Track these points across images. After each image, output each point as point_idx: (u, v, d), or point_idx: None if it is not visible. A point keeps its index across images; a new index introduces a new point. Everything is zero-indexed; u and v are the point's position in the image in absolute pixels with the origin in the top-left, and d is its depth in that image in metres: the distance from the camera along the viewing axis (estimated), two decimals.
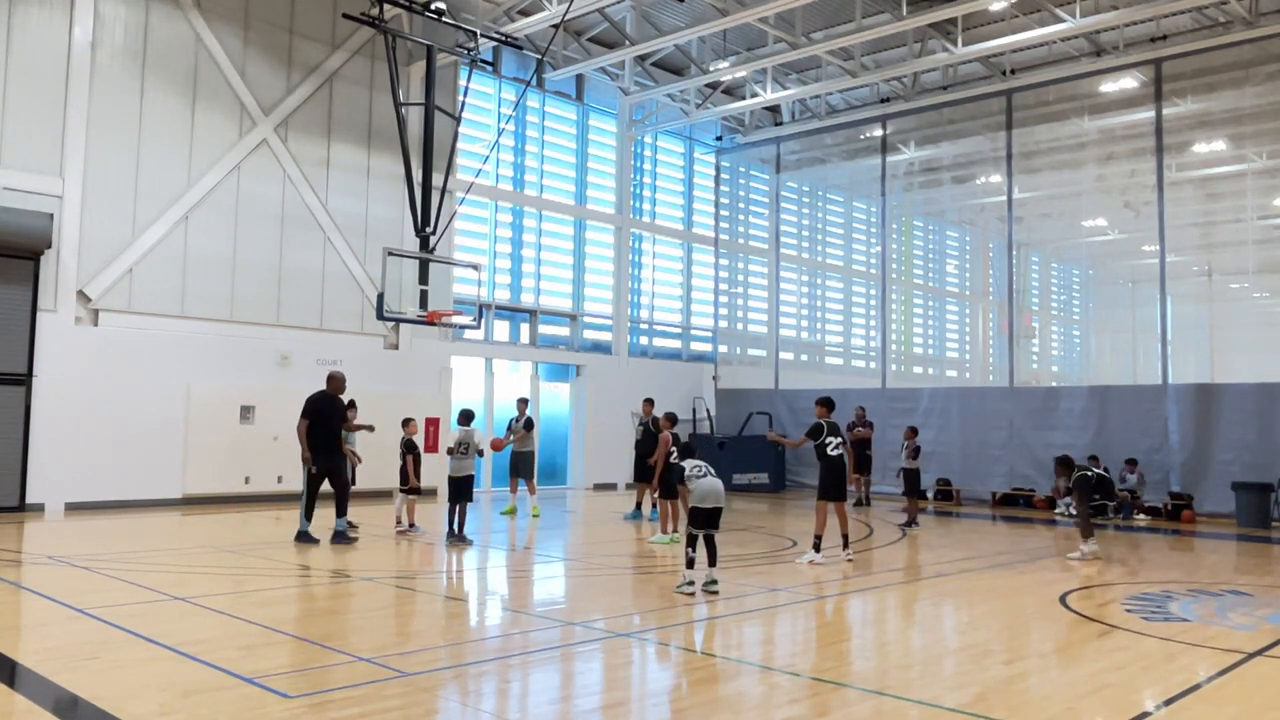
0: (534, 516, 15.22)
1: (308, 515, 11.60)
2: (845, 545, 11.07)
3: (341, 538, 11.49)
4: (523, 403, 15.87)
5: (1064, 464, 12.78)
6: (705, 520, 8.70)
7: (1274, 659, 6.74)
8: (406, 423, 13.31)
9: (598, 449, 21.46)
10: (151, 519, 14.05)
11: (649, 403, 15.52)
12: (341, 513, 11.66)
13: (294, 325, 17.11)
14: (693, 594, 8.55)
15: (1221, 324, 18.44)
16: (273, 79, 16.97)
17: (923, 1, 17.12)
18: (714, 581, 8.70)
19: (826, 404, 11.19)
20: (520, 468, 15.34)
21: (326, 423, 11.71)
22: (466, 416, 12.47)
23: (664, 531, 12.54)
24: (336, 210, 17.71)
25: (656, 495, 13.21)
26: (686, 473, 8.94)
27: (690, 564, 8.70)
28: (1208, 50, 17.51)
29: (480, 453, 12.27)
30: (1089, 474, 12.20)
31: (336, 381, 12.05)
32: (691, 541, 8.71)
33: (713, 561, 8.76)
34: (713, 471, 8.99)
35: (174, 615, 7.54)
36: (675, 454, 12.79)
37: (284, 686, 5.49)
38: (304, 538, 11.48)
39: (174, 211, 15.82)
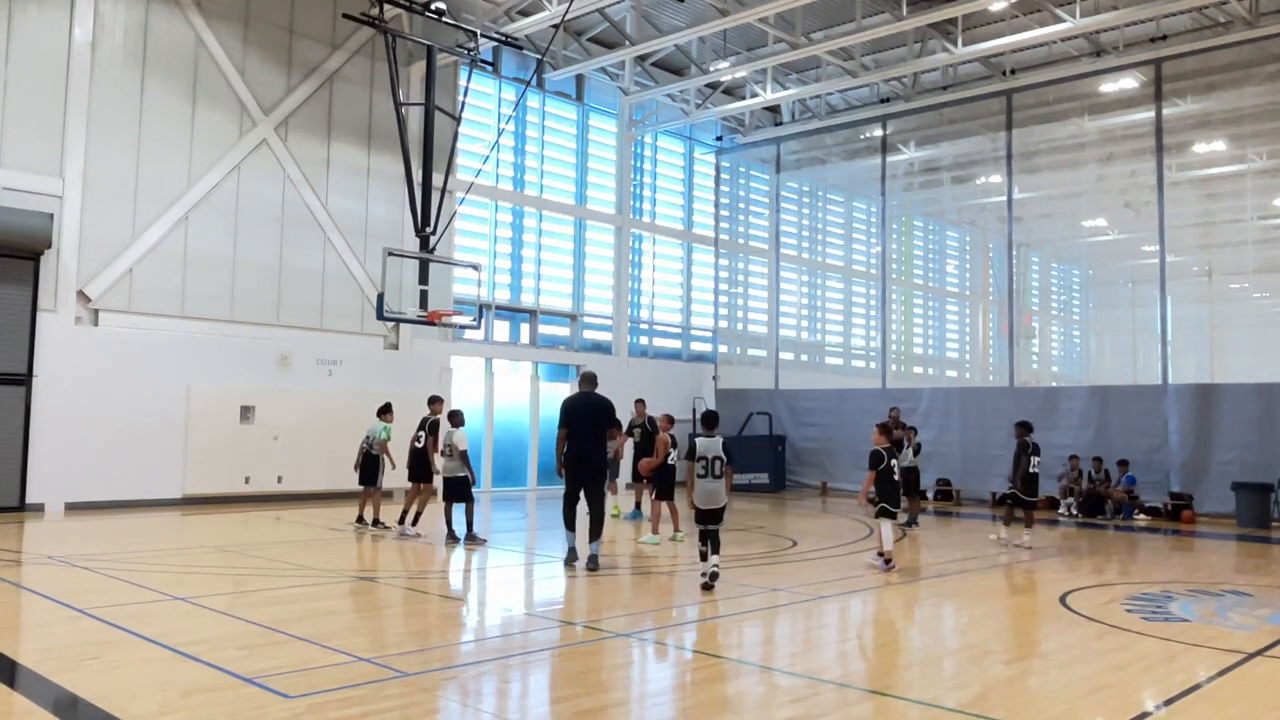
0: (612, 515, 15.12)
1: (569, 524, 10.48)
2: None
3: (595, 562, 10.24)
4: (640, 403, 15.43)
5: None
6: (704, 518, 9.10)
7: (1274, 659, 6.74)
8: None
9: None
10: (151, 519, 14.06)
11: (640, 403, 15.46)
12: (595, 535, 10.39)
13: (294, 325, 17.11)
14: (710, 585, 8.90)
15: (1221, 324, 18.42)
16: (273, 79, 16.97)
17: (923, 1, 17.12)
18: (713, 571, 9.04)
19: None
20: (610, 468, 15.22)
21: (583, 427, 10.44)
22: (450, 417, 12.41)
23: (654, 531, 12.51)
24: (336, 210, 17.71)
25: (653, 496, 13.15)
26: (699, 470, 9.21)
27: (703, 557, 9.06)
28: (1208, 50, 17.50)
29: (464, 454, 11.97)
30: (1029, 442, 12.60)
31: (589, 379, 10.80)
32: (702, 537, 9.13)
33: (715, 550, 9.10)
34: (713, 473, 9.14)
35: (174, 615, 7.54)
36: (672, 455, 12.80)
37: (284, 686, 5.49)
38: (571, 557, 10.33)
39: (174, 211, 15.82)
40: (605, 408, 10.62)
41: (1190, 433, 17.14)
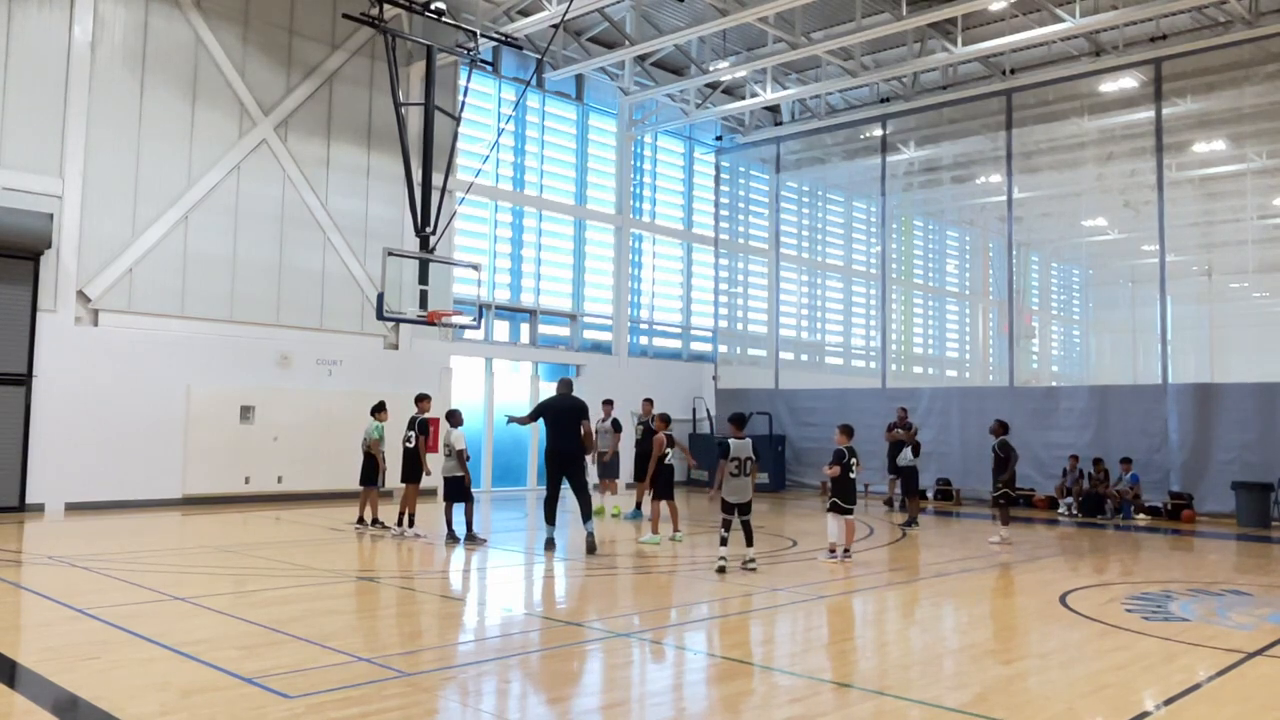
0: (613, 516, 15.21)
1: (549, 518, 11.53)
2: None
3: (592, 541, 11.24)
4: (608, 404, 15.61)
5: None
6: (730, 509, 10.01)
7: (1274, 659, 6.74)
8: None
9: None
10: (151, 519, 14.06)
11: (649, 402, 15.52)
12: (586, 518, 11.44)
13: (294, 325, 17.11)
14: (724, 570, 9.76)
15: (1221, 324, 18.41)
16: (273, 79, 16.97)
17: (923, 1, 17.12)
18: (751, 560, 10.03)
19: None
20: (605, 468, 15.33)
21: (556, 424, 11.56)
22: (448, 417, 12.42)
23: (654, 531, 12.50)
24: (336, 210, 17.71)
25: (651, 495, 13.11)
26: (732, 469, 10.01)
27: (723, 542, 9.97)
28: (1208, 50, 17.49)
29: (462, 454, 12.03)
30: (1009, 442, 13.36)
31: (566, 384, 12.09)
32: (725, 525, 10.00)
33: (749, 542, 10.11)
34: (745, 471, 10.05)
35: (174, 615, 7.54)
36: (670, 455, 12.77)
37: (284, 686, 5.49)
38: (549, 545, 11.37)
39: (174, 211, 15.82)
40: (579, 407, 11.70)
41: (1190, 432, 17.14)
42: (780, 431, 22.56)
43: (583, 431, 11.55)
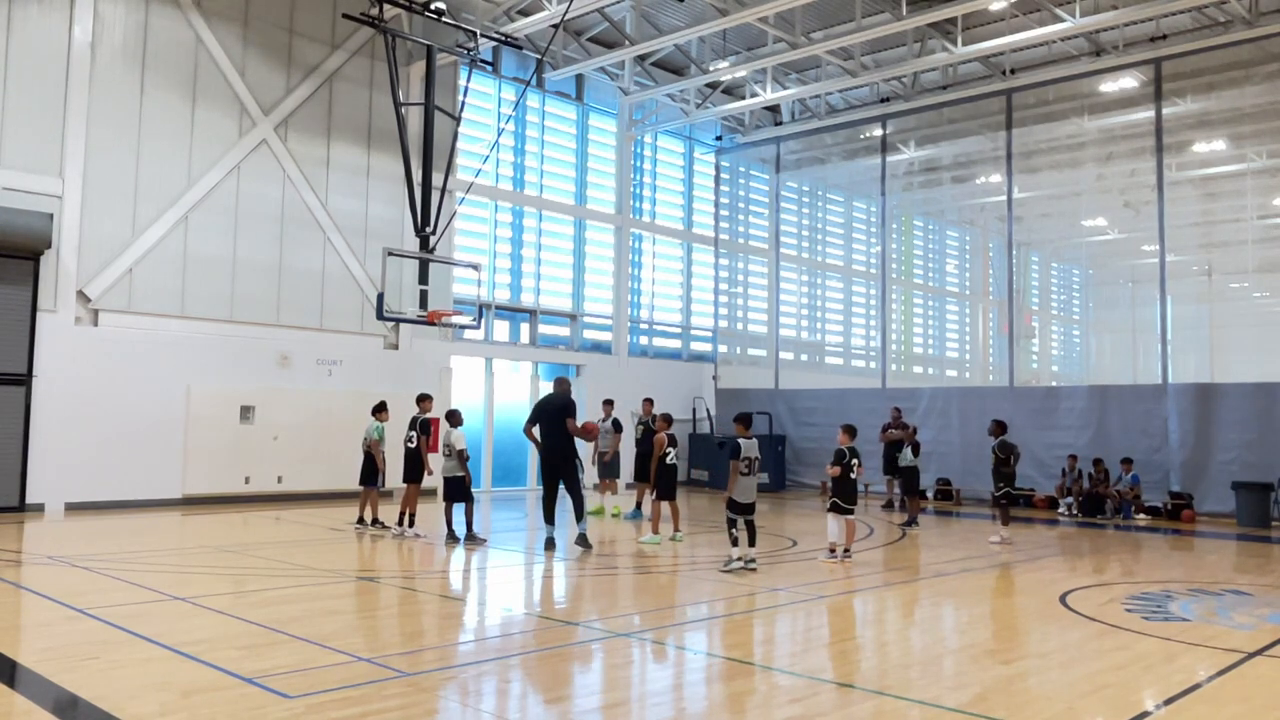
0: (613, 516, 15.25)
1: (548, 518, 11.64)
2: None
3: (584, 540, 11.41)
4: (608, 404, 15.70)
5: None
6: (740, 509, 10.08)
7: (1274, 659, 6.74)
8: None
9: None
10: (151, 519, 14.05)
11: (649, 402, 15.53)
12: (579, 517, 11.65)
13: (294, 325, 17.10)
14: (732, 570, 9.84)
15: (1221, 324, 18.40)
16: (273, 79, 16.97)
17: (923, 1, 17.12)
18: (752, 560, 10.10)
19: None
20: (606, 468, 15.36)
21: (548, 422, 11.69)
22: (448, 417, 12.43)
23: (654, 531, 12.49)
24: (336, 210, 17.71)
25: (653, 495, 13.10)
26: (742, 469, 10.11)
27: (735, 542, 10.04)
28: (1208, 50, 17.49)
29: (462, 454, 12.06)
30: (1010, 442, 13.47)
31: (559, 382, 12.18)
32: (732, 524, 10.09)
33: (752, 542, 10.18)
34: (754, 471, 10.19)
35: (174, 615, 7.54)
36: (671, 455, 12.76)
37: (284, 686, 5.49)
38: (549, 544, 11.46)
39: (174, 211, 15.82)
40: (561, 405, 11.78)
41: (1190, 432, 17.14)
42: (780, 431, 22.56)
43: (568, 428, 11.59)
